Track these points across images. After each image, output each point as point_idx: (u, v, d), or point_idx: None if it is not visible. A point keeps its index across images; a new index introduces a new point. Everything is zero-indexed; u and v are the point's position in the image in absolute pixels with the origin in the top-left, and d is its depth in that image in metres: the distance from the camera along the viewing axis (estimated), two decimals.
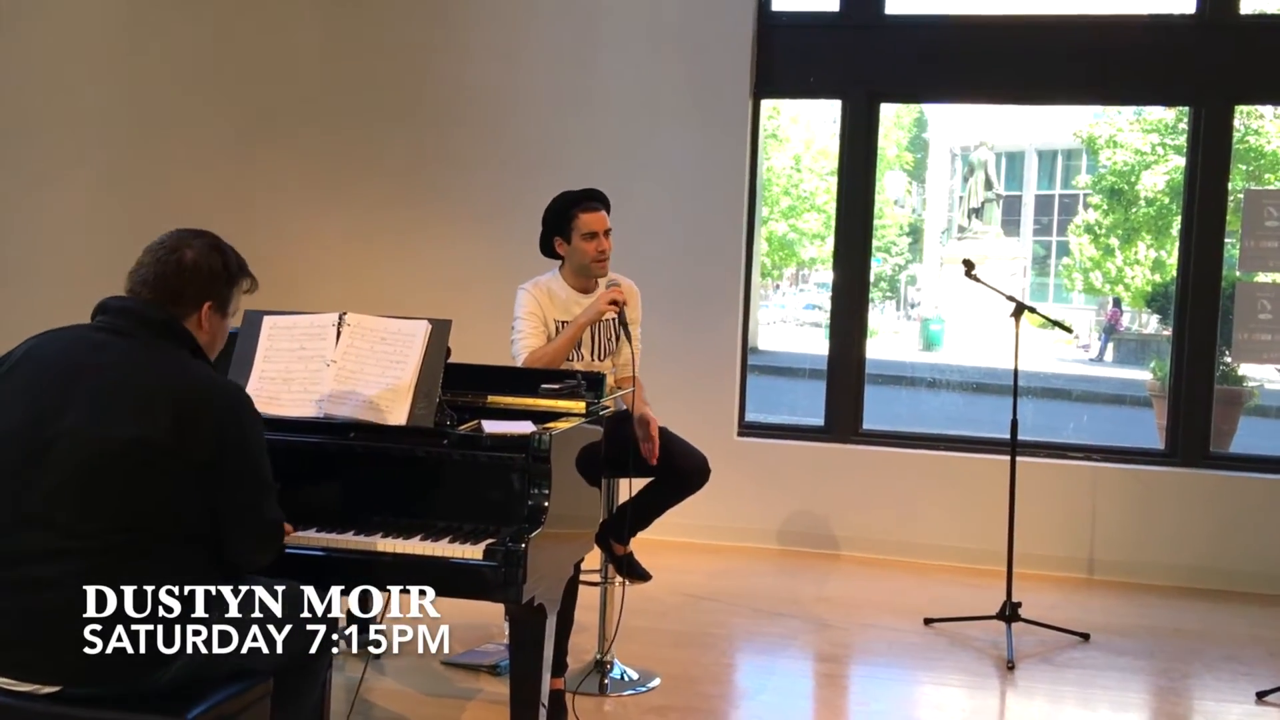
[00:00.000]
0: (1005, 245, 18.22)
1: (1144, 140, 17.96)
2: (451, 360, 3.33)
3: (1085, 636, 5.09)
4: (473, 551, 2.95)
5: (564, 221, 4.12)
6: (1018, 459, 5.14)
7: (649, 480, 4.03)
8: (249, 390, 3.25)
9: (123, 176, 6.84)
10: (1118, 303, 19.07)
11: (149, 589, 2.48)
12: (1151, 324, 18.54)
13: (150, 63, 6.91)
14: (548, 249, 4.21)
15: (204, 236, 2.68)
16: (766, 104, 6.80)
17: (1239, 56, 6.18)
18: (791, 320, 19.78)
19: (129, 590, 2.46)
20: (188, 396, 2.51)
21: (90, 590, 2.44)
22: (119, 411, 2.47)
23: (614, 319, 4.06)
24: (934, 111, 21.55)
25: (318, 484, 3.19)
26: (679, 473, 4.02)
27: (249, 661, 2.70)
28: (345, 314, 3.32)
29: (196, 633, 2.55)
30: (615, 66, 6.58)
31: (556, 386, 3.55)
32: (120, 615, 2.46)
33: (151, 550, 2.48)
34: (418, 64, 6.79)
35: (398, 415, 3.19)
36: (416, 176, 6.80)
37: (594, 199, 4.14)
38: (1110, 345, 18.40)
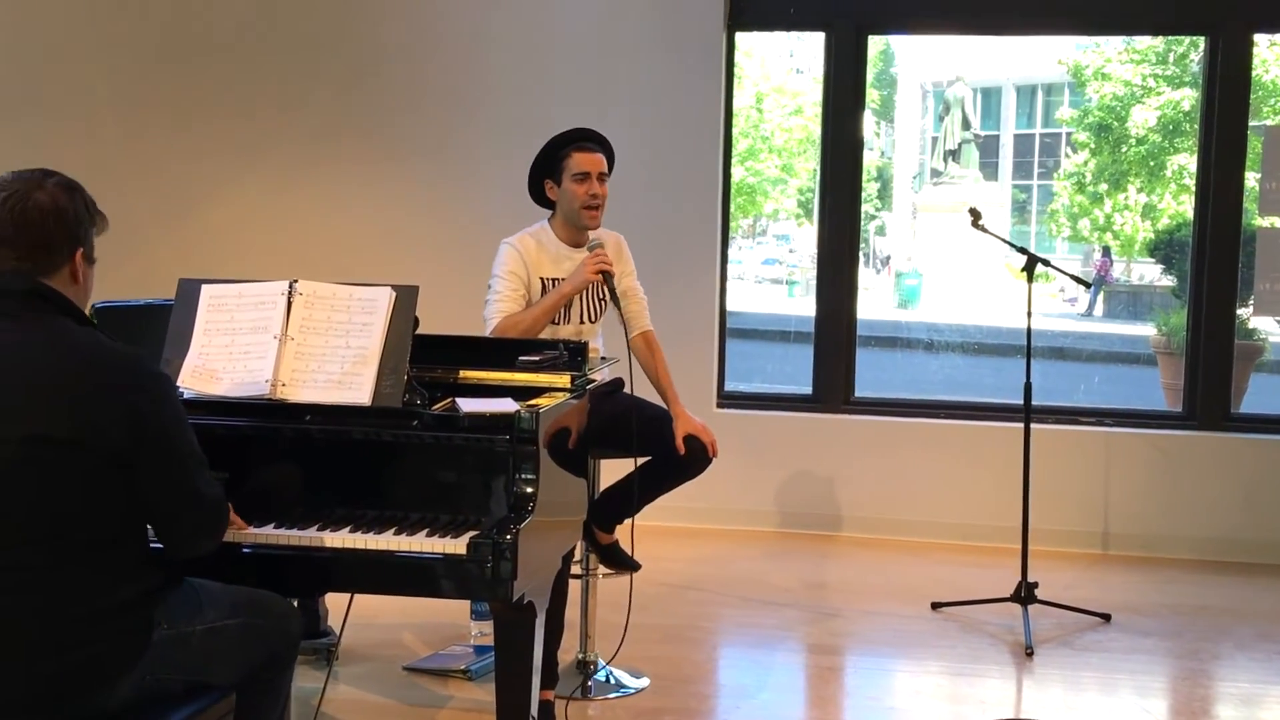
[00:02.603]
0: (986, 190, 18.31)
1: (1134, 72, 18.07)
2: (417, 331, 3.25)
3: (1106, 617, 5.14)
4: (455, 546, 2.88)
5: (554, 162, 4.07)
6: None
7: (643, 461, 3.98)
8: (186, 369, 3.17)
9: None
10: (1107, 252, 19.22)
11: (73, 605, 2.40)
12: (1146, 274, 18.72)
13: None
14: (538, 194, 4.16)
15: (50, 175, 2.53)
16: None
17: None
18: (750, 277, 19.75)
19: (46, 609, 2.38)
20: (86, 379, 2.41)
21: (12, 610, 2.36)
22: (4, 404, 2.37)
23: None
24: (902, 44, 21.56)
25: (272, 475, 3.11)
26: (680, 454, 3.96)
27: (206, 676, 2.64)
28: (296, 281, 3.23)
29: (143, 647, 2.48)
30: None
31: (536, 359, 3.49)
32: (51, 633, 2.38)
33: (71, 559, 2.39)
34: None
35: (361, 394, 3.11)
36: (356, 125, 6.67)
37: (590, 139, 4.10)
38: (1100, 298, 18.57)
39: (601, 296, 4.15)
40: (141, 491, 2.47)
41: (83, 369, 2.41)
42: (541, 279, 4.05)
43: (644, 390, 4.13)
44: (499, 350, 3.61)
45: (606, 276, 3.93)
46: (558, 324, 4.03)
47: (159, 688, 2.55)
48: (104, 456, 2.39)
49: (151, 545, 2.59)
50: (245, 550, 2.93)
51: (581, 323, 4.11)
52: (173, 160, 6.69)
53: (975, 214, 5.12)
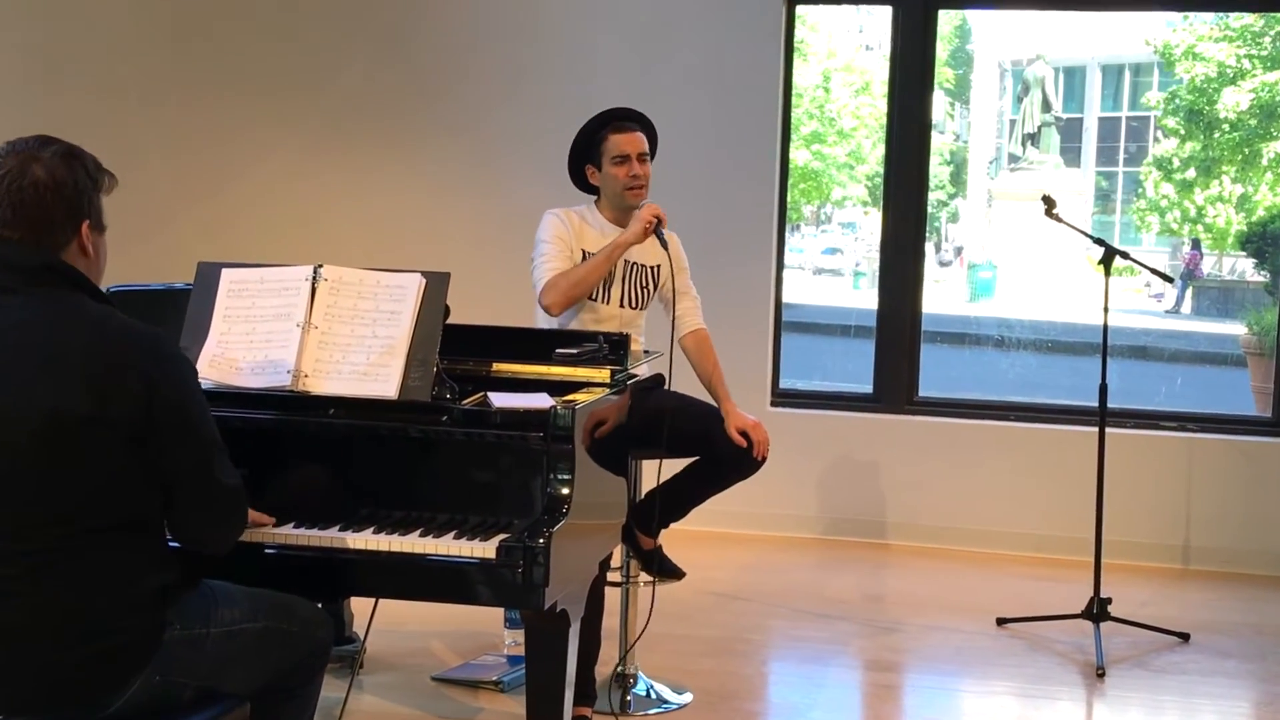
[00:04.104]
0: (1067, 177, 18.12)
1: (1227, 51, 17.83)
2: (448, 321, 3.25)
3: (1184, 637, 5.08)
4: (484, 549, 2.88)
5: (593, 145, 4.11)
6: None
7: (690, 462, 3.97)
8: (204, 358, 3.18)
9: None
10: (1196, 245, 18.99)
11: (96, 592, 2.42)
12: (1238, 269, 18.47)
13: None
14: (581, 180, 4.20)
15: (48, 144, 2.50)
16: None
17: None
18: (809, 267, 19.64)
19: (67, 596, 2.40)
20: (100, 350, 2.43)
21: (20, 599, 2.38)
22: (20, 382, 2.39)
23: (653, 268, 4.07)
24: (978, 18, 21.35)
25: (293, 471, 3.13)
26: (730, 455, 3.95)
27: (222, 683, 2.64)
28: (321, 266, 3.24)
29: (154, 646, 2.49)
30: None
31: (574, 352, 3.50)
32: (66, 622, 2.41)
33: (89, 544, 2.42)
34: None
35: (387, 387, 3.11)
36: (388, 101, 6.68)
37: (628, 118, 4.13)
38: (1188, 294, 18.34)
39: (645, 284, 4.16)
40: (158, 473, 2.49)
41: (98, 343, 2.43)
42: (584, 251, 4.07)
43: (689, 387, 4.13)
44: (534, 342, 3.61)
45: (658, 226, 3.94)
46: (596, 301, 4.05)
47: (169, 693, 2.56)
48: (122, 434, 2.41)
49: (170, 544, 2.61)
50: (263, 550, 2.94)
51: (622, 306, 4.12)
52: (196, 137, 6.73)
53: (1049, 202, 5.05)
